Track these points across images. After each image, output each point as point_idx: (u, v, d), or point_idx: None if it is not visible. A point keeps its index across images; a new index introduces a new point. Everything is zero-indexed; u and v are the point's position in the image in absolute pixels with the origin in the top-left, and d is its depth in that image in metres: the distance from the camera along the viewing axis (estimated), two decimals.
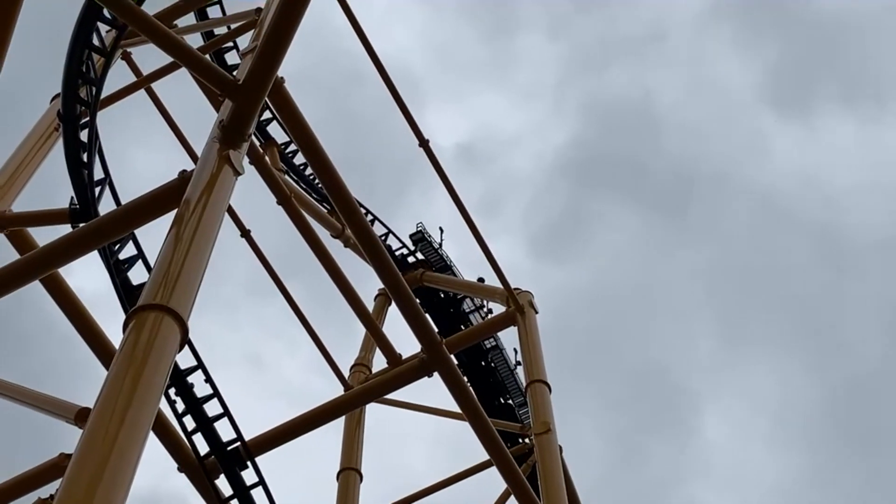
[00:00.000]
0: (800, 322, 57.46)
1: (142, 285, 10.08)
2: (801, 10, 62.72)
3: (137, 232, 12.19)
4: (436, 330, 14.50)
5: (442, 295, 24.76)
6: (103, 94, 13.70)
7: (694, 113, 62.24)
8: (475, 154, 60.03)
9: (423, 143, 18.01)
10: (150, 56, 17.28)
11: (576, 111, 63.18)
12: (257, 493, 13.27)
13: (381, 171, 47.92)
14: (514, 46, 63.32)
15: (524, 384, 18.52)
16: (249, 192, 17.47)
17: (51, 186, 14.73)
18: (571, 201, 60.78)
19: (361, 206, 20.14)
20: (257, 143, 19.37)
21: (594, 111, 62.09)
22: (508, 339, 23.92)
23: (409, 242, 25.38)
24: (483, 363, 24.43)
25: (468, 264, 24.97)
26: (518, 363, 23.40)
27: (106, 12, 12.19)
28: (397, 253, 24.64)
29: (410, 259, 24.67)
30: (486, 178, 59.57)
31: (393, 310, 20.44)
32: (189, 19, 18.57)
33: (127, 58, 17.28)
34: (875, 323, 56.10)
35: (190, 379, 13.17)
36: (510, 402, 24.49)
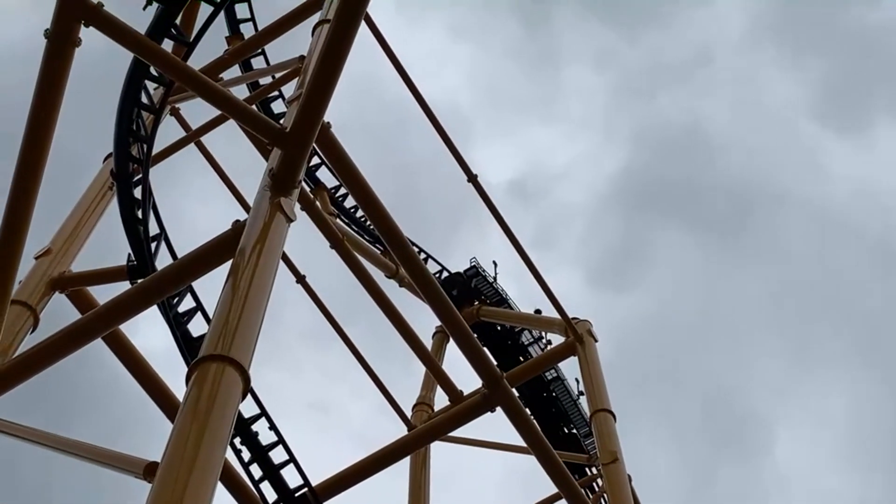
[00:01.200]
0: (867, 337, 56.37)
1: (202, 337, 10.15)
2: (846, 23, 62.13)
3: (195, 284, 12.32)
4: (496, 364, 14.42)
5: (499, 328, 24.71)
6: (154, 151, 13.90)
7: (746, 134, 61.70)
8: (527, 189, 60.02)
9: (472, 178, 18.05)
10: (198, 110, 17.57)
11: (626, 140, 63.00)
12: None
13: (434, 211, 48.02)
14: (560, 79, 63.42)
15: (588, 414, 18.34)
16: (302, 238, 17.60)
17: (108, 244, 14.94)
18: (627, 230, 60.41)
19: (414, 244, 20.21)
20: (307, 189, 19.53)
21: (645, 138, 61.85)
22: (570, 369, 23.76)
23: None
24: (545, 395, 24.28)
25: (526, 298, 24.88)
26: (581, 393, 23.20)
27: (153, 70, 12.39)
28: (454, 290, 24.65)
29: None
30: (539, 212, 59.50)
31: (452, 346, 20.40)
32: (234, 71, 18.86)
33: (175, 113, 17.57)
34: None
35: (254, 427, 13.23)
36: (575, 432, 24.30)
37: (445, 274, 24.89)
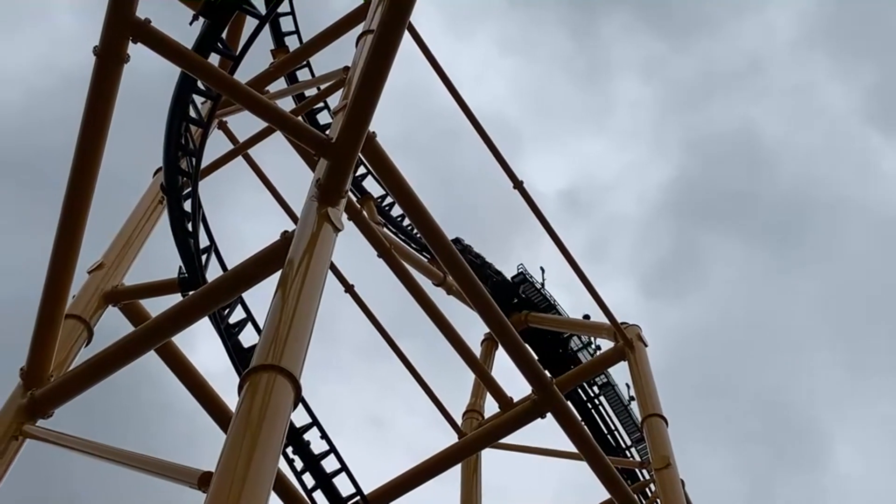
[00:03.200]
0: None
1: (253, 347, 10.23)
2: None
3: (245, 294, 12.41)
4: (545, 370, 14.38)
5: (549, 337, 24.63)
6: (203, 164, 14.04)
7: (799, 140, 61.04)
8: (578, 199, 59.88)
9: (518, 185, 18.00)
10: (245, 123, 17.73)
11: (677, 149, 62.63)
12: None
13: (483, 220, 48.03)
14: (609, 89, 63.19)
15: (640, 419, 18.23)
16: (350, 247, 17.66)
17: (159, 257, 15.13)
18: (680, 238, 60.06)
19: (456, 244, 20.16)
20: (354, 199, 19.61)
21: (696, 147, 61.45)
22: (620, 376, 23.64)
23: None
24: (591, 400, 24.18)
25: (575, 305, 24.78)
26: (632, 398, 23.08)
27: (200, 84, 12.53)
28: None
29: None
30: (590, 223, 59.38)
31: (501, 353, 20.35)
32: (280, 84, 19.02)
33: (223, 126, 17.74)
34: None
35: (306, 436, 13.31)
36: (624, 437, 24.19)
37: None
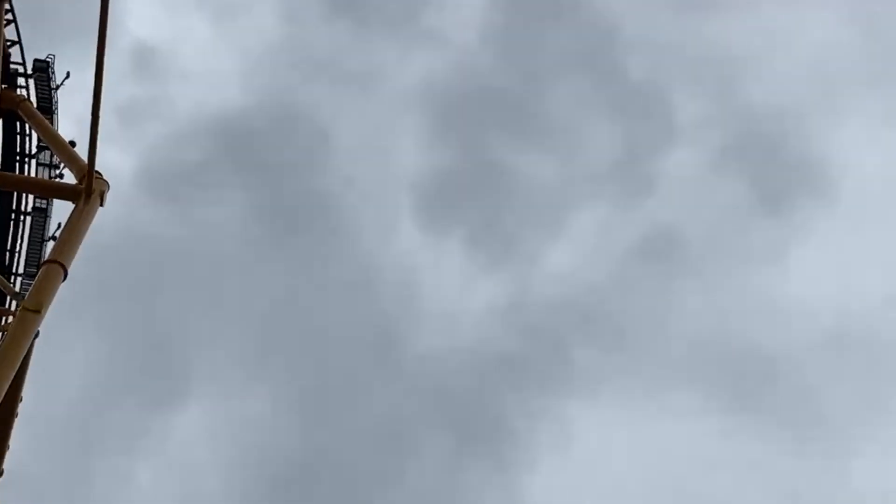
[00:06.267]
0: None
1: None
2: None
3: None
4: None
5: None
6: None
7: None
8: None
9: None
10: None
11: None
12: None
13: None
14: None
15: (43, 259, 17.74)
16: None
17: None
18: None
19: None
20: None
21: None
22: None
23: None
24: (20, 213, 23.19)
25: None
26: (53, 238, 22.47)
27: None
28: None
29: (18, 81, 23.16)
30: None
31: None
32: None
33: None
34: None
35: None
36: (20, 264, 23.49)
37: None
